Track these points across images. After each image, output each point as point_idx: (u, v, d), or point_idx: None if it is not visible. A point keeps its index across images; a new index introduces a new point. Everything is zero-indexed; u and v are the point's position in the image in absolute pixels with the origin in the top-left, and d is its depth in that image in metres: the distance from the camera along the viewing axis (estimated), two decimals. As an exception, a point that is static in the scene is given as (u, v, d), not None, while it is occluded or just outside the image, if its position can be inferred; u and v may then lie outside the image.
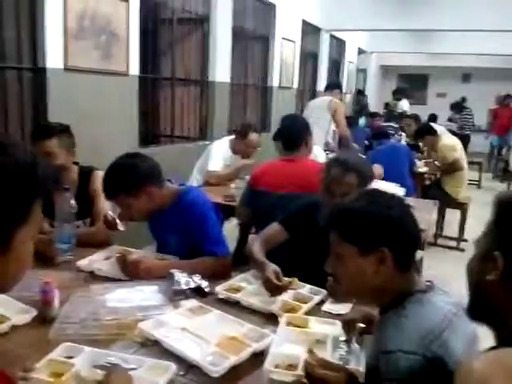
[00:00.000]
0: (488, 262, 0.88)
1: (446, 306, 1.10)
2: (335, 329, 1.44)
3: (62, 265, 1.96)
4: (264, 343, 1.35)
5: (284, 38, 6.60)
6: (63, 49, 3.24)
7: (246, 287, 1.77)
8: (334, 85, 5.53)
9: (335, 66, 9.48)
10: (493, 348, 0.87)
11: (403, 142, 6.05)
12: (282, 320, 1.47)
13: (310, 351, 1.15)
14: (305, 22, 7.26)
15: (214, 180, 3.86)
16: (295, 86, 7.36)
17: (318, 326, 1.46)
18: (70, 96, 3.37)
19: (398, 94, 9.77)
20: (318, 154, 3.94)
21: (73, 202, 2.01)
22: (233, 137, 4.05)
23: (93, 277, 1.88)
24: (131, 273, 1.82)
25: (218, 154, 3.93)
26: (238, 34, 5.62)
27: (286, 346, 1.32)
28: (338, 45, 9.43)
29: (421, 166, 5.20)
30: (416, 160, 5.20)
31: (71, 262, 1.97)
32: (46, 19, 3.12)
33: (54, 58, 3.20)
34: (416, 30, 8.93)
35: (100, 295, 1.63)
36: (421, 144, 5.62)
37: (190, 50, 5.02)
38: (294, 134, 2.70)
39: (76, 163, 2.44)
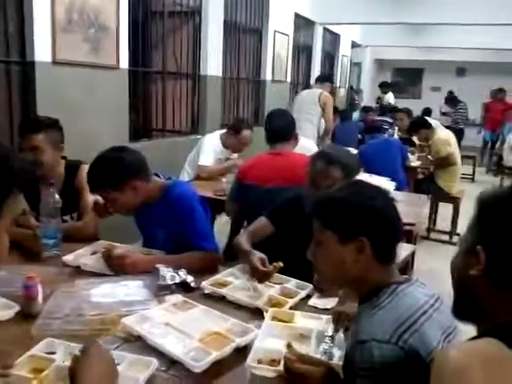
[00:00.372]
0: (471, 256, 0.87)
1: (422, 297, 1.10)
2: (320, 323, 1.43)
3: (47, 260, 1.94)
4: (248, 338, 1.34)
5: (277, 31, 6.56)
6: (51, 42, 3.20)
7: (232, 282, 1.77)
8: (324, 77, 5.51)
9: (329, 60, 9.45)
10: (472, 339, 0.87)
11: (396, 136, 6.05)
12: (267, 315, 1.46)
13: (289, 346, 1.14)
14: (298, 15, 7.22)
15: (205, 174, 3.85)
16: (288, 79, 7.33)
17: (303, 321, 1.46)
18: (59, 90, 3.34)
19: (384, 87, 9.85)
20: (311, 148, 3.93)
21: (57, 196, 1.99)
22: (224, 131, 4.03)
23: (78, 272, 1.87)
24: (116, 267, 1.80)
25: (209, 147, 3.92)
26: (231, 27, 5.59)
27: (269, 341, 1.31)
28: (332, 38, 9.40)
29: (413, 160, 5.20)
30: (409, 154, 5.20)
31: (57, 257, 1.95)
32: (34, 12, 3.08)
33: (42, 51, 3.17)
34: (410, 23, 8.92)
35: (84, 290, 1.62)
36: (414, 138, 5.61)
37: (182, 44, 4.98)
38: (283, 128, 2.70)
39: (64, 158, 2.42)
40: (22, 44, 3.11)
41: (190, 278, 1.75)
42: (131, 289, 1.66)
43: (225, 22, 5.36)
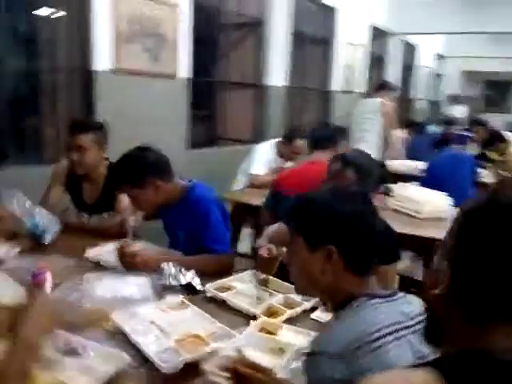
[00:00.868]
0: (438, 275, 0.78)
1: (397, 316, 0.99)
2: (304, 339, 1.34)
3: (68, 252, 2.03)
4: (226, 344, 1.29)
5: (349, 43, 6.44)
6: (113, 52, 3.39)
7: (236, 287, 1.73)
8: (382, 85, 5.27)
9: (406, 71, 9.08)
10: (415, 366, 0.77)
11: (471, 151, 5.63)
12: (253, 323, 1.40)
13: (239, 351, 1.09)
14: (373, 26, 7.05)
15: (257, 183, 3.84)
16: (361, 90, 7.14)
17: (288, 335, 1.38)
18: (118, 98, 3.50)
19: (452, 99, 9.23)
20: None
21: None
22: (279, 139, 4.01)
23: (97, 266, 1.93)
24: (128, 265, 1.84)
25: (262, 156, 3.92)
26: (297, 38, 5.57)
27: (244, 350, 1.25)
28: (410, 49, 9.03)
29: (485, 176, 4.80)
30: (482, 169, 4.81)
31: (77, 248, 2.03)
32: (97, 23, 3.28)
33: (103, 60, 3.36)
34: (494, 32, 8.32)
35: (89, 283, 1.67)
36: (490, 153, 5.20)
37: (246, 54, 5.06)
38: (321, 137, 2.65)
39: (106, 158, 2.54)
40: (84, 53, 3.32)
41: (196, 280, 1.74)
42: (135, 286, 1.68)
43: (291, 32, 5.36)
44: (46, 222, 2.17)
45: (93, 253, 2.00)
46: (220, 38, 4.90)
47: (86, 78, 3.36)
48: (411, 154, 5.92)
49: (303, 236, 1.08)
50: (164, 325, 1.38)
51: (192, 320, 1.44)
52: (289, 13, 5.24)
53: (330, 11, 6.11)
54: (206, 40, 4.57)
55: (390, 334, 0.94)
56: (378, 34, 7.47)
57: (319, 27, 6.02)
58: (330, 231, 1.05)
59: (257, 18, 5.03)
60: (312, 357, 0.93)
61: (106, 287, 1.66)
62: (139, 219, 2.24)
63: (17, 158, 3.14)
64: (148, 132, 3.78)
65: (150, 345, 1.28)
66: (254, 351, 1.24)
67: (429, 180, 4.21)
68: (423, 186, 3.88)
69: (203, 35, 4.51)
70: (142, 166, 1.94)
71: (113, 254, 1.96)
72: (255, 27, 5.09)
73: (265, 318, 1.46)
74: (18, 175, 2.91)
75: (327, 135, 2.66)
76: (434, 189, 3.80)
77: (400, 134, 6.42)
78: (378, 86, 5.25)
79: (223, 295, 1.65)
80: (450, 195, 3.78)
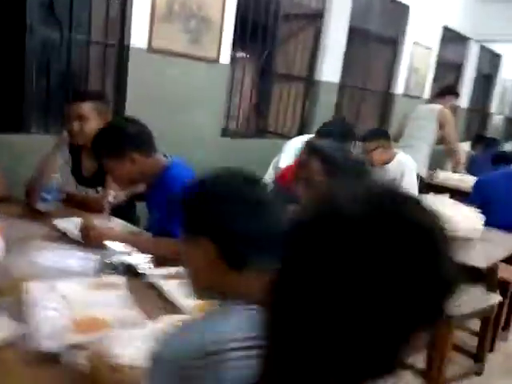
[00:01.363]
0: None
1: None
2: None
3: (44, 219, 2.02)
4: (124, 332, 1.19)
5: (416, 43, 6.04)
6: (148, 30, 3.37)
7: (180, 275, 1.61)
8: (445, 90, 4.81)
9: (485, 82, 8.38)
10: None
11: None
12: (164, 316, 1.28)
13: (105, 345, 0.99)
14: (447, 29, 6.55)
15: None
16: (426, 96, 6.69)
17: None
18: (151, 77, 3.48)
19: None
20: (405, 162, 3.57)
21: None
22: (313, 135, 3.83)
23: (62, 237, 1.90)
24: (85, 238, 1.79)
25: (292, 150, 3.75)
26: (358, 34, 5.30)
27: (134, 344, 1.13)
28: (491, 58, 8.31)
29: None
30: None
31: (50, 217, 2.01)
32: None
33: (138, 38, 3.35)
34: None
35: (37, 251, 1.63)
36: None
37: (298, 46, 4.89)
38: (328, 132, 2.46)
39: None
40: (121, 29, 3.33)
41: (143, 264, 1.65)
42: (78, 260, 1.63)
43: (352, 28, 5.10)
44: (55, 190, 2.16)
45: (60, 222, 1.97)
46: (272, 27, 4.75)
47: (120, 54, 3.37)
48: (474, 170, 5.46)
49: (183, 223, 0.96)
50: (74, 302, 1.30)
51: (110, 303, 1.35)
52: (351, 8, 4.98)
53: (401, 8, 5.76)
54: (254, 27, 4.42)
55: (238, 349, 0.79)
56: (455, 38, 6.93)
57: (386, 24, 5.68)
58: (204, 220, 0.92)
59: (315, 10, 4.83)
60: (150, 360, 0.81)
61: (50, 257, 1.62)
62: (120, 195, 2.18)
63: (41, 127, 3.21)
64: (181, 116, 3.75)
65: (44, 320, 1.20)
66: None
67: (474, 197, 3.83)
68: (468, 203, 3.53)
69: (253, 22, 4.37)
70: (121, 136, 1.88)
71: (76, 226, 1.93)
72: (313, 19, 4.90)
73: (175, 315, 1.33)
74: (40, 143, 2.97)
75: (336, 131, 2.47)
76: (480, 208, 3.44)
77: (464, 147, 5.94)
78: (441, 91, 4.82)
79: (161, 283, 1.55)
80: (501, 216, 3.40)
